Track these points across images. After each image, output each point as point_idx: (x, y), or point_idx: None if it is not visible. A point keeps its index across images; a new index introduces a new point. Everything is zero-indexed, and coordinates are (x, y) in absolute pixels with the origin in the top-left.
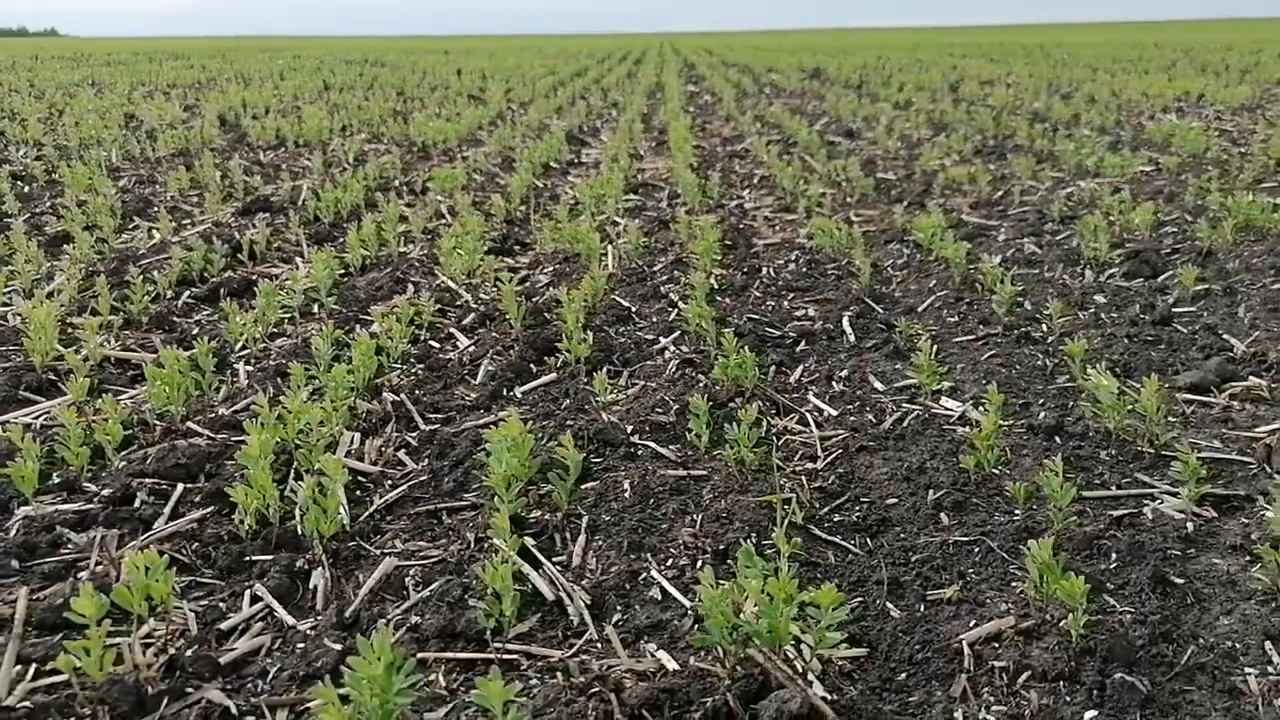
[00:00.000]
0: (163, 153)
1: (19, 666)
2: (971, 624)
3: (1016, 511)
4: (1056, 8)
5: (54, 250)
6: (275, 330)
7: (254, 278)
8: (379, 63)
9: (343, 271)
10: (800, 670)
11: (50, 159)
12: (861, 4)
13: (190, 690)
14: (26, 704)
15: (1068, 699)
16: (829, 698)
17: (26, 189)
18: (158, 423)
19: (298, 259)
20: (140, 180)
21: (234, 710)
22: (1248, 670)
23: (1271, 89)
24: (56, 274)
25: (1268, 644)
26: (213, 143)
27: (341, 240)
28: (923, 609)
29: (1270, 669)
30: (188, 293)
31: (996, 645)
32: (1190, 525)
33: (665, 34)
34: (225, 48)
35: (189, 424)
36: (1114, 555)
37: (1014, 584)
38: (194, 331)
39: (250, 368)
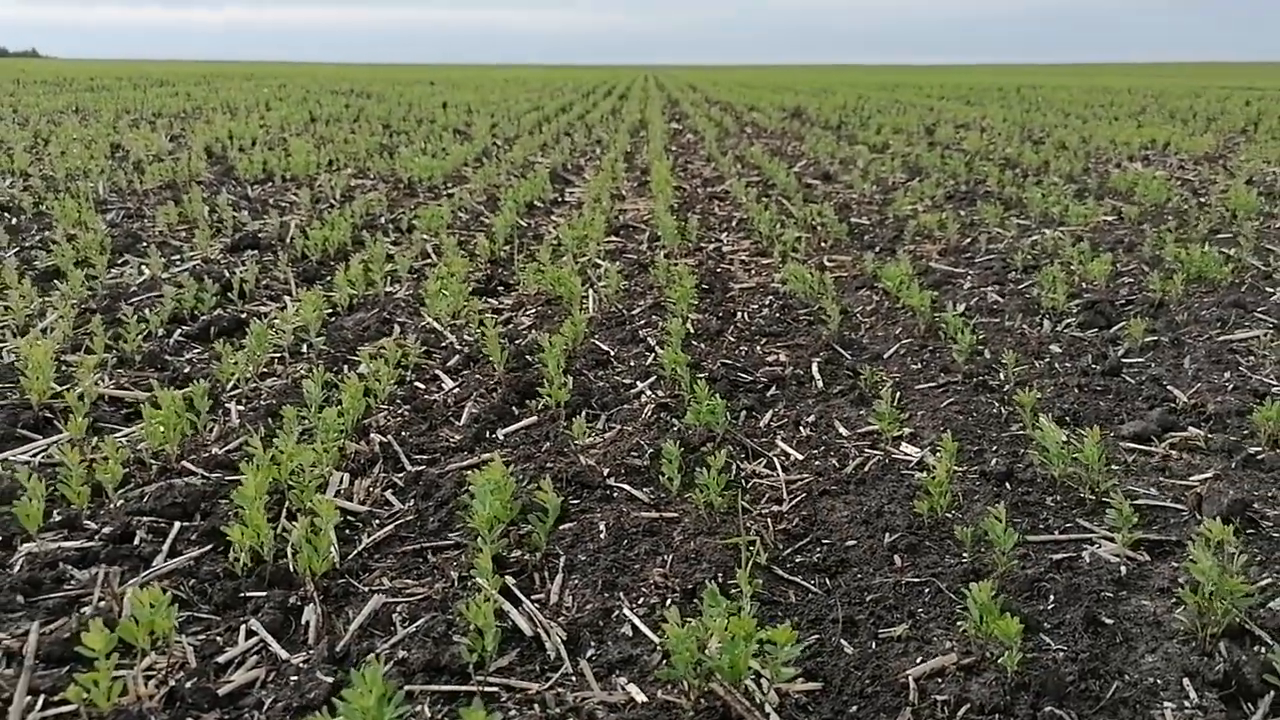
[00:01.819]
0: (150, 185)
1: (29, 697)
2: (918, 660)
3: (965, 554)
4: (1035, 50)
5: (45, 286)
6: (265, 370)
7: (244, 316)
8: (365, 93)
9: (330, 311)
10: (758, 703)
11: (37, 190)
12: (845, 42)
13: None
14: None
15: None
16: None
17: (14, 221)
18: (153, 461)
19: (286, 297)
20: (129, 214)
21: None
22: (1166, 705)
23: (1234, 138)
24: (49, 311)
25: (1185, 680)
26: (200, 176)
27: (329, 279)
28: (874, 646)
29: (1186, 703)
30: (179, 331)
31: (940, 680)
32: (1123, 569)
33: (650, 66)
34: (210, 73)
35: (184, 463)
36: (1052, 597)
37: (959, 623)
38: (186, 370)
39: (241, 407)
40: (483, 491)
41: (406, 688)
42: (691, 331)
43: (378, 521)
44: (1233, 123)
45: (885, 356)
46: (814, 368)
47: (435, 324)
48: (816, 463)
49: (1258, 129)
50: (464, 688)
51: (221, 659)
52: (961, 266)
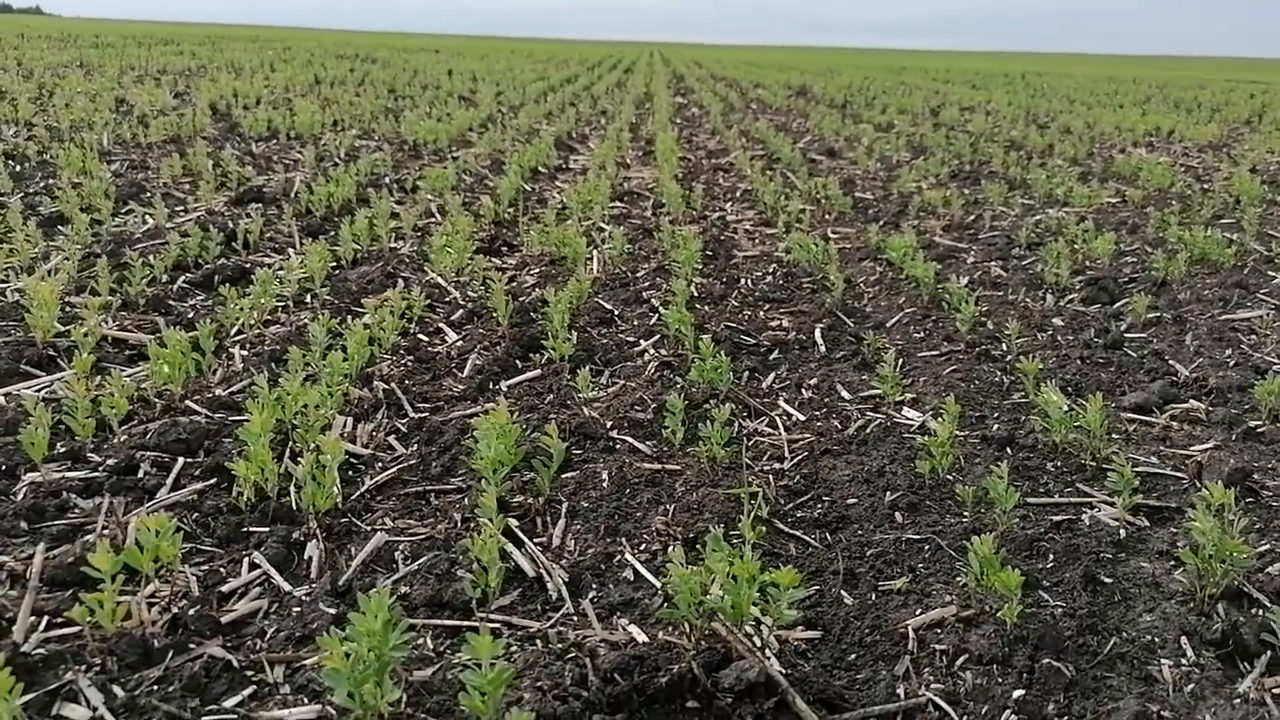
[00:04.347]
0: (154, 139)
1: (33, 618)
2: (918, 612)
3: (965, 514)
4: (1041, 38)
5: (49, 231)
6: (269, 317)
7: (248, 266)
8: (370, 59)
9: (335, 264)
10: (759, 645)
11: (42, 140)
12: (850, 25)
13: (193, 645)
14: (41, 651)
15: (999, 680)
16: (784, 671)
17: (19, 168)
18: (158, 400)
19: (290, 250)
20: (133, 165)
21: (235, 664)
22: (1163, 661)
23: (1239, 128)
24: (53, 254)
25: (1183, 639)
26: (204, 131)
27: (334, 233)
28: (874, 598)
29: (1184, 660)
30: (183, 278)
31: (939, 631)
32: (1123, 532)
33: (656, 43)
34: (215, 35)
35: (188, 402)
36: (1051, 556)
37: (959, 578)
38: (189, 315)
39: (245, 352)
40: (488, 434)
41: (409, 621)
42: (695, 295)
43: (380, 464)
44: (1237, 114)
45: (888, 325)
46: (817, 333)
47: (439, 279)
48: (818, 423)
49: (1262, 120)
50: (466, 623)
51: (225, 589)
52: (965, 242)
